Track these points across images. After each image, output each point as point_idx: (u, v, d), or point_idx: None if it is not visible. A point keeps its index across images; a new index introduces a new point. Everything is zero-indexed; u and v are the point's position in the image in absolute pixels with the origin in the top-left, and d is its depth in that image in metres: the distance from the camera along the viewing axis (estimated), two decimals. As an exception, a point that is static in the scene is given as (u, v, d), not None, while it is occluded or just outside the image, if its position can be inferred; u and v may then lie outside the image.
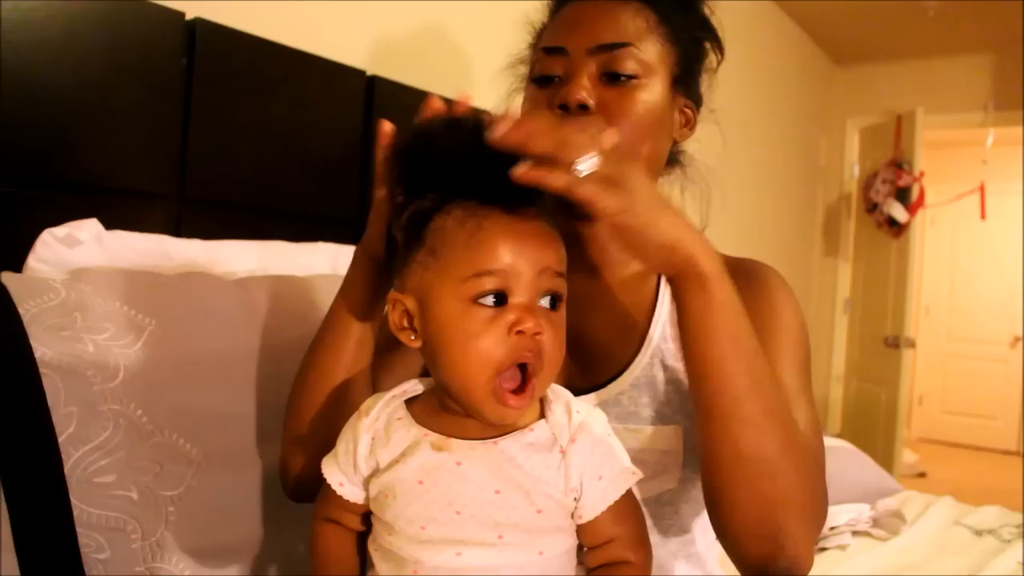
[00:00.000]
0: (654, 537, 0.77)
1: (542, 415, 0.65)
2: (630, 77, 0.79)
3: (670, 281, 0.68)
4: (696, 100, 0.88)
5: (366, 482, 0.67)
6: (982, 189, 4.18)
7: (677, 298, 0.68)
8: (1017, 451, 5.74)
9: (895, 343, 3.82)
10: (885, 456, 3.69)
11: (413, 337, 0.65)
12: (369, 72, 1.59)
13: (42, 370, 0.84)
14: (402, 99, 1.63)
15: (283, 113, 1.43)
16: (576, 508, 0.64)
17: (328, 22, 1.58)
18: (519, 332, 0.60)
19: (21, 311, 0.87)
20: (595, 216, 0.62)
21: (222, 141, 1.34)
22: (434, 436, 0.64)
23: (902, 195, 3.79)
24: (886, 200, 3.82)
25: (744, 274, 0.82)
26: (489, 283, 0.60)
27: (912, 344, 3.90)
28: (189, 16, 1.28)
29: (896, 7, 3.52)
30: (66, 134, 1.14)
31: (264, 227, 1.38)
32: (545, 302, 0.63)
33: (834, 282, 4.48)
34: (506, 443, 0.63)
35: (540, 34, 0.89)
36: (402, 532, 0.63)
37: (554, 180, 0.59)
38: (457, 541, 0.61)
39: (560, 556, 0.65)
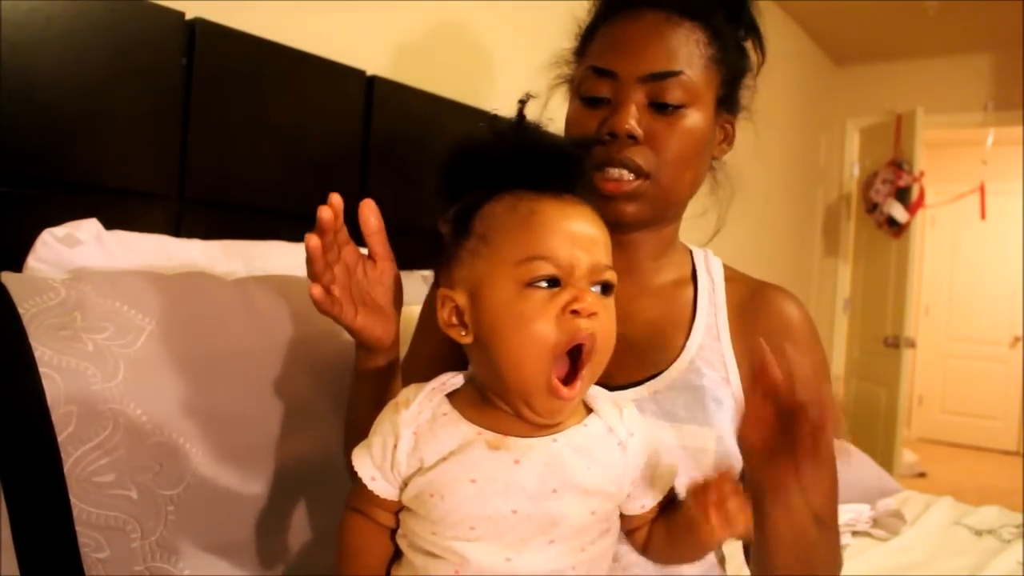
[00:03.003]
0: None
1: (588, 411, 0.66)
2: (678, 107, 0.80)
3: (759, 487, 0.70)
4: (736, 112, 0.90)
5: (407, 480, 0.65)
6: (982, 189, 4.17)
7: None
8: (1017, 451, 5.74)
9: (895, 343, 3.82)
10: (885, 456, 3.68)
11: (464, 333, 0.64)
12: (369, 72, 1.59)
13: (42, 370, 0.84)
14: (402, 99, 1.63)
15: (283, 113, 1.43)
16: (627, 500, 0.66)
17: (328, 22, 1.58)
18: (575, 312, 0.60)
19: (21, 311, 0.87)
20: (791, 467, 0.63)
21: (222, 141, 1.34)
22: (489, 435, 0.63)
23: (902, 195, 3.78)
24: (886, 200, 3.82)
25: (765, 308, 0.86)
26: (544, 267, 0.60)
27: (912, 344, 3.89)
28: (189, 16, 1.27)
29: (896, 7, 3.52)
30: (66, 134, 1.14)
31: (264, 227, 1.38)
32: (596, 289, 0.63)
33: (834, 282, 4.47)
34: (565, 439, 0.63)
35: (586, 40, 0.88)
36: (448, 531, 0.62)
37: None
38: (508, 544, 0.61)
39: (603, 555, 0.66)
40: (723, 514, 0.59)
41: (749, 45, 0.89)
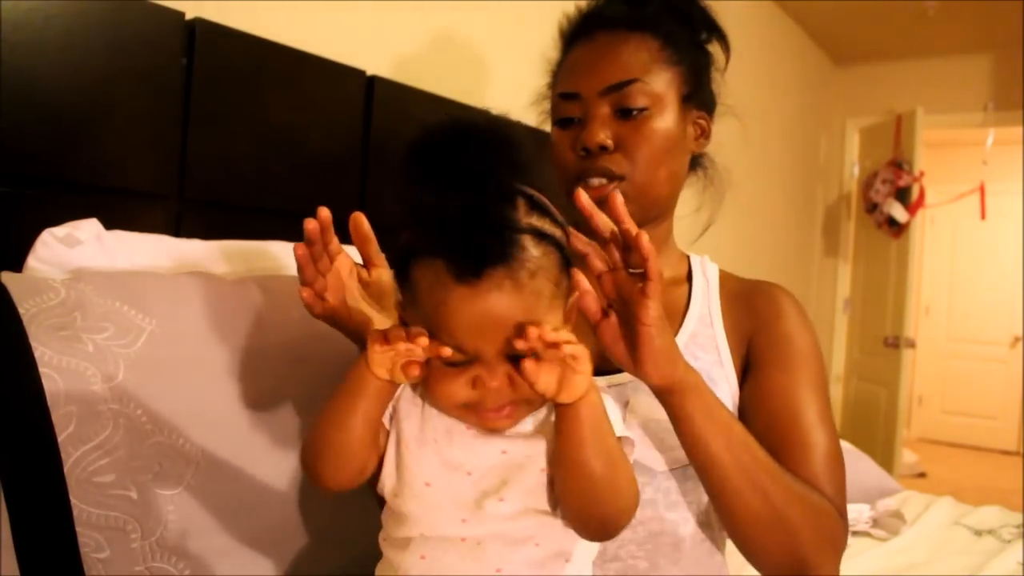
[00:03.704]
0: (676, 512, 0.83)
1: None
2: (641, 110, 0.86)
3: (663, 391, 0.73)
4: (709, 107, 0.94)
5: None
6: (982, 189, 4.17)
7: (670, 405, 0.74)
8: (1017, 451, 5.74)
9: (895, 343, 3.82)
10: (885, 456, 3.69)
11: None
12: (369, 72, 1.59)
13: (42, 370, 0.84)
14: (402, 99, 1.63)
15: (283, 113, 1.43)
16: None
17: (328, 22, 1.58)
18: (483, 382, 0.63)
19: (21, 311, 0.87)
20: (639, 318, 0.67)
21: (222, 141, 1.34)
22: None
23: (902, 195, 3.78)
24: (886, 200, 3.82)
25: (758, 296, 0.91)
26: (454, 352, 0.62)
27: (912, 344, 3.90)
28: (189, 16, 1.28)
29: (896, 7, 3.52)
30: (66, 134, 1.14)
31: (264, 227, 1.38)
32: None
33: (834, 282, 4.48)
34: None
35: (556, 74, 0.95)
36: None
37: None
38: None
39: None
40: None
41: (714, 41, 0.95)
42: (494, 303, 0.60)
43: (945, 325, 6.17)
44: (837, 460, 0.83)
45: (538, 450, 0.66)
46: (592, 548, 0.72)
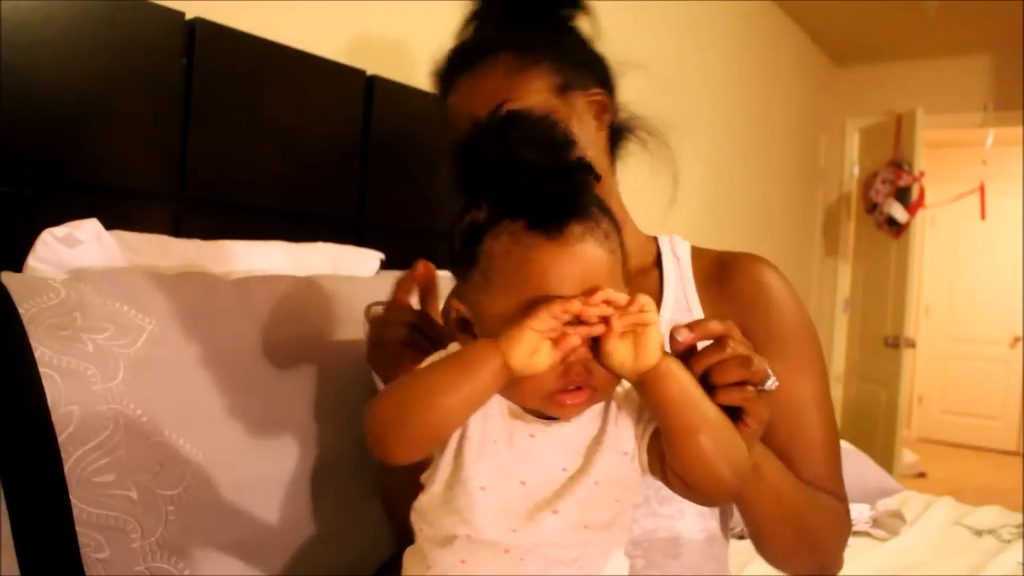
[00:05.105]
0: (670, 507, 0.83)
1: None
2: None
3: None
4: (600, 78, 0.90)
5: None
6: (982, 189, 4.17)
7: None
8: (1017, 451, 5.74)
9: (895, 343, 3.82)
10: (885, 456, 3.68)
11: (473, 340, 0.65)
12: (369, 72, 1.59)
13: (42, 370, 0.84)
14: (402, 99, 1.63)
15: (283, 113, 1.43)
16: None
17: (328, 22, 1.58)
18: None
19: (21, 311, 0.87)
20: (745, 425, 0.63)
21: (222, 141, 1.34)
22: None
23: (902, 195, 3.78)
24: (886, 200, 3.82)
25: (737, 275, 0.87)
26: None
27: (912, 344, 3.89)
28: (189, 16, 1.28)
29: (896, 7, 3.52)
30: (66, 134, 1.14)
31: (264, 227, 1.38)
32: None
33: (834, 282, 4.48)
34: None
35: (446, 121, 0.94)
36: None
37: (743, 394, 0.61)
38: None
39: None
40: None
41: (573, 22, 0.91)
42: (579, 252, 0.60)
43: (945, 325, 6.17)
44: (834, 447, 0.84)
45: (594, 463, 0.64)
46: (623, 570, 0.70)
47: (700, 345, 0.63)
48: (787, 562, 0.83)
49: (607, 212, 0.64)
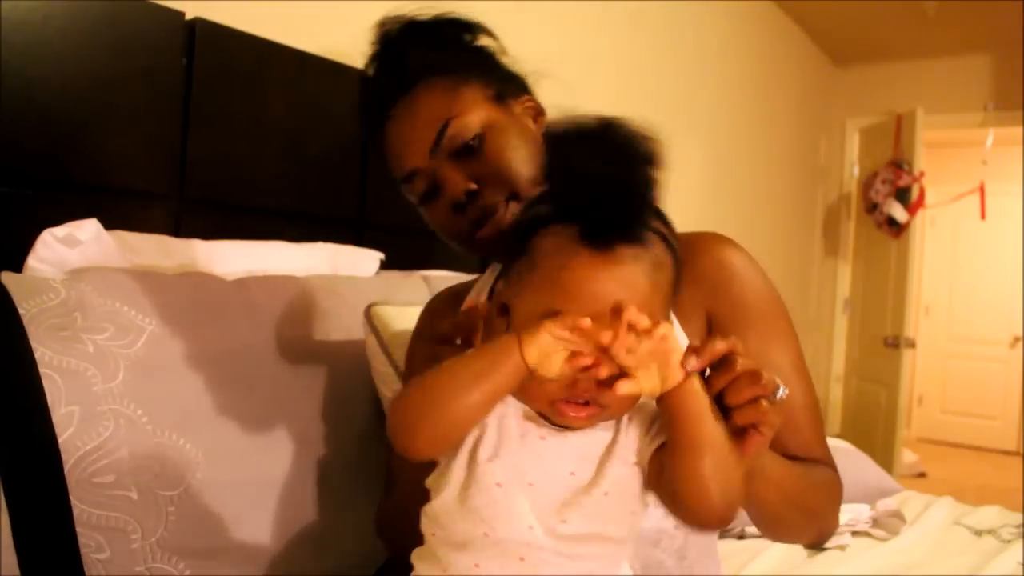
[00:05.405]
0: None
1: None
2: (475, 138, 0.85)
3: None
4: (524, 88, 0.93)
5: None
6: (982, 189, 4.17)
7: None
8: (1017, 451, 5.74)
9: (895, 343, 3.82)
10: (885, 456, 3.68)
11: (506, 328, 0.65)
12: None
13: (42, 370, 0.84)
14: (402, 99, 1.63)
15: (283, 113, 1.43)
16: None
17: (328, 22, 1.58)
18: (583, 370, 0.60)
19: (21, 311, 0.87)
20: (759, 434, 0.63)
21: (222, 141, 1.34)
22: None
23: (902, 195, 3.78)
24: (886, 200, 3.82)
25: (700, 258, 0.86)
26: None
27: (912, 344, 3.89)
28: (189, 16, 1.28)
29: (896, 7, 3.52)
30: (66, 134, 1.14)
31: (264, 227, 1.38)
32: None
33: (834, 282, 4.47)
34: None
35: (381, 159, 0.94)
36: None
37: (759, 411, 0.61)
38: None
39: None
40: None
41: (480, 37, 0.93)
42: (619, 275, 0.60)
43: (945, 325, 6.17)
44: (815, 411, 0.86)
45: (605, 475, 0.64)
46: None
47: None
48: (793, 539, 0.92)
49: (672, 247, 0.64)
